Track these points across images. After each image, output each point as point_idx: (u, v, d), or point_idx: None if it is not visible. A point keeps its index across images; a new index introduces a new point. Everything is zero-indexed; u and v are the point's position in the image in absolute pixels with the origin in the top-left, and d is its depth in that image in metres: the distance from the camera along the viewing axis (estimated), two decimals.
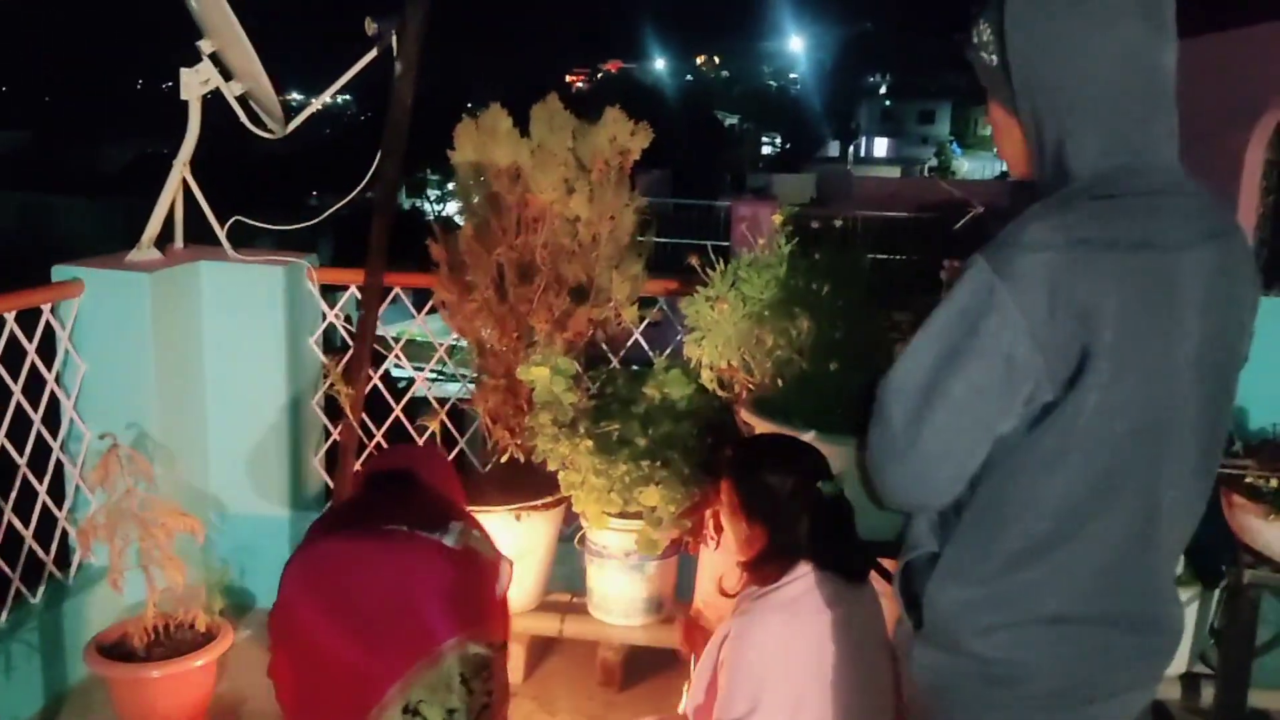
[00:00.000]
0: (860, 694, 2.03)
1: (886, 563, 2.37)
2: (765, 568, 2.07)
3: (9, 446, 3.02)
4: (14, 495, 3.03)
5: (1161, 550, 1.44)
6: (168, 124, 3.45)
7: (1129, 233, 1.31)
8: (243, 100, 3.47)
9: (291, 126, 3.57)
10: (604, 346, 3.32)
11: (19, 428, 3.07)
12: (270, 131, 3.54)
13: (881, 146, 48.00)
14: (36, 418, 3.11)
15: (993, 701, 1.43)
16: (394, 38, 3.36)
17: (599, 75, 42.95)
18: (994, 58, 1.40)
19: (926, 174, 39.06)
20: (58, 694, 3.12)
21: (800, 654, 2.01)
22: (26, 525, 3.07)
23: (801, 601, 2.02)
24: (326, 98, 3.66)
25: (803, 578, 2.03)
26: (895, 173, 36.66)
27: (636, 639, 3.21)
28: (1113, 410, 1.32)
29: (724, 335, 2.62)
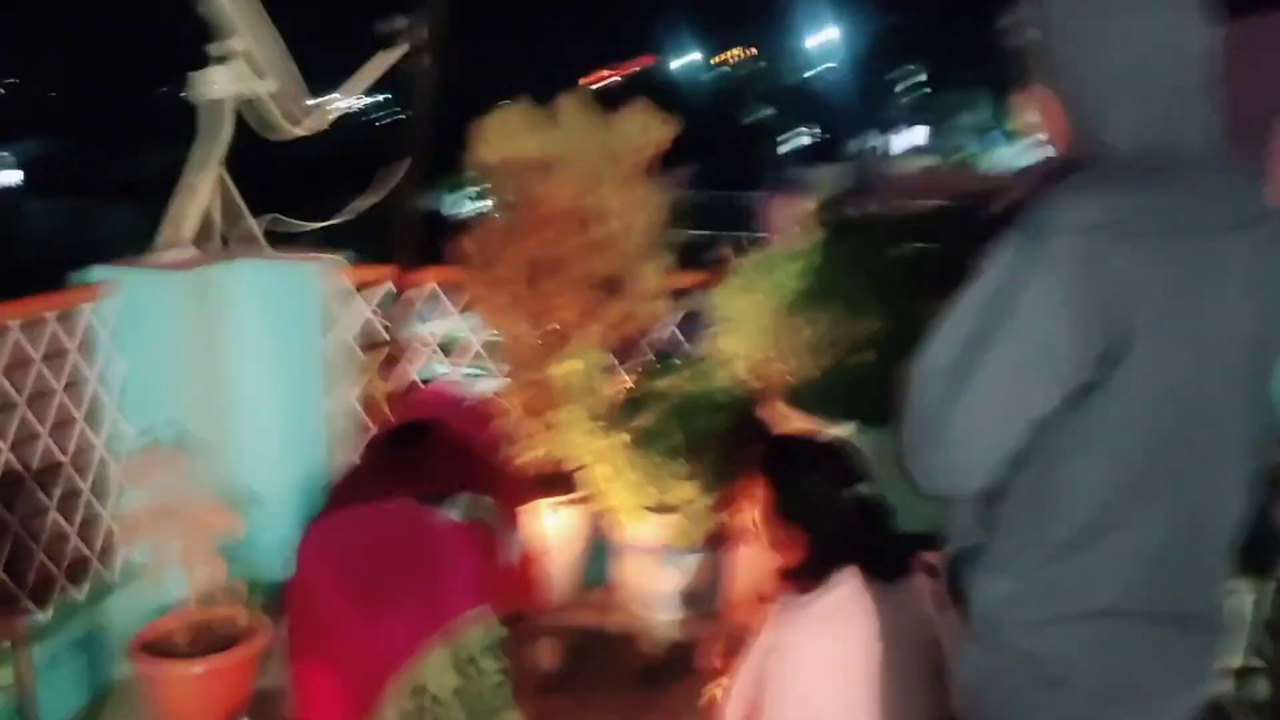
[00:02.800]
0: (913, 696, 1.98)
1: (931, 556, 2.35)
2: (805, 575, 2.01)
3: (53, 445, 3.06)
4: (58, 493, 3.07)
5: (1212, 540, 1.40)
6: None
7: (1167, 210, 1.28)
8: (272, 100, 3.50)
9: (319, 126, 3.59)
10: (635, 340, 3.31)
11: (63, 427, 3.12)
12: (301, 130, 3.57)
13: (919, 136, 47.54)
14: (80, 416, 3.15)
15: (1039, 700, 1.39)
16: (422, 33, 3.38)
17: (633, 69, 42.90)
18: (1036, 34, 1.39)
19: (965, 163, 38.63)
20: (101, 690, 3.15)
21: (850, 665, 1.95)
22: (71, 523, 3.12)
23: (847, 609, 1.96)
24: (355, 95, 3.67)
25: (846, 584, 1.97)
26: (933, 162, 36.27)
27: (672, 634, 3.19)
28: (1157, 391, 1.28)
29: (757, 326, 2.60)
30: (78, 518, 3.14)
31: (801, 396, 2.43)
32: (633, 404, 3.07)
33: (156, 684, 2.96)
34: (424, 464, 2.33)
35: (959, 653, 1.46)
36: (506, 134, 3.05)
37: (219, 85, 3.43)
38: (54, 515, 3.05)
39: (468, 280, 3.21)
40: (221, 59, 3.41)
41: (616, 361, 3.20)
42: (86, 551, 3.19)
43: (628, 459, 3.00)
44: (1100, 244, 1.25)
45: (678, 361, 3.15)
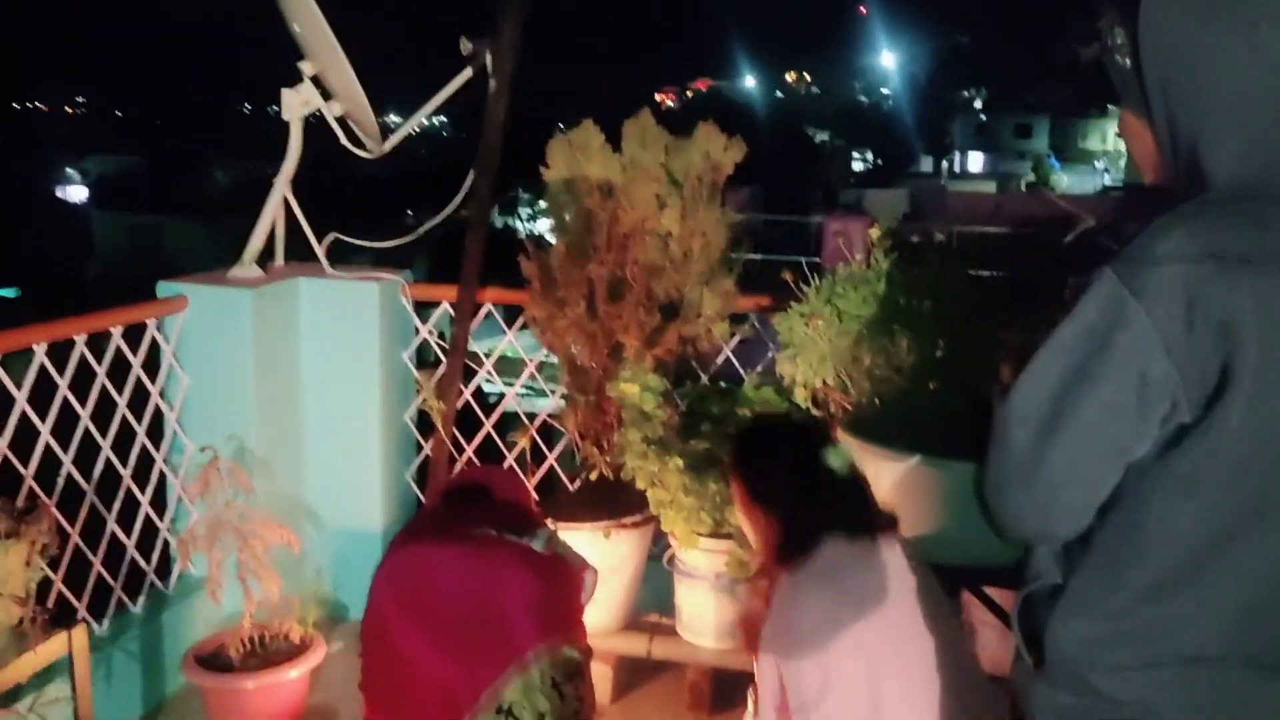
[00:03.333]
0: (923, 636, 1.97)
1: (999, 593, 2.29)
2: (789, 556, 2.01)
3: (113, 458, 3.10)
4: (118, 506, 3.10)
5: None
6: (272, 147, 3.53)
7: (1269, 245, 1.22)
8: (342, 121, 3.54)
9: (389, 146, 3.62)
10: (694, 364, 3.28)
11: (124, 440, 3.16)
12: (369, 151, 3.60)
13: (976, 161, 47.15)
14: (141, 430, 3.19)
15: None
16: (488, 56, 3.39)
17: (688, 93, 43.07)
18: (1126, 61, 1.35)
19: (1024, 189, 38.25)
20: (156, 702, 3.18)
21: (851, 617, 1.93)
22: (129, 535, 3.15)
23: (840, 565, 1.97)
24: (423, 118, 3.70)
25: (832, 546, 1.98)
26: (991, 188, 35.97)
27: (726, 662, 3.14)
28: (1257, 433, 1.22)
29: (819, 352, 2.56)
30: (135, 530, 3.17)
31: (863, 425, 2.38)
32: (690, 428, 3.04)
33: (210, 697, 2.98)
34: (495, 505, 2.36)
35: (1035, 695, 1.40)
36: (572, 155, 3.05)
37: (287, 108, 3.47)
38: (112, 527, 3.08)
39: (527, 301, 3.21)
40: (293, 82, 3.46)
41: (674, 385, 3.17)
42: (144, 564, 3.22)
43: (683, 484, 2.96)
44: (1202, 281, 1.19)
45: (736, 386, 3.11)
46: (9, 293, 20.93)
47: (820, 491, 2.03)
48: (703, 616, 3.14)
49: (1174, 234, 1.23)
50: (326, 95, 3.49)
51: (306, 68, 3.42)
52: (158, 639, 3.21)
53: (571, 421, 3.27)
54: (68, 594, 2.93)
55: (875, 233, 2.75)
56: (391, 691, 2.25)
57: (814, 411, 2.73)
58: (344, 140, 3.54)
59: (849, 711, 1.94)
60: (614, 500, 3.25)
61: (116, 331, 3.07)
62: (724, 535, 3.00)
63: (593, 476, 3.29)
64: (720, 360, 3.45)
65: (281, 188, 3.51)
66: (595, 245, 3.04)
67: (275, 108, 3.53)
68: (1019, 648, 1.44)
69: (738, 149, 3.06)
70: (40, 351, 2.80)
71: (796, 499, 2.03)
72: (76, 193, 36.49)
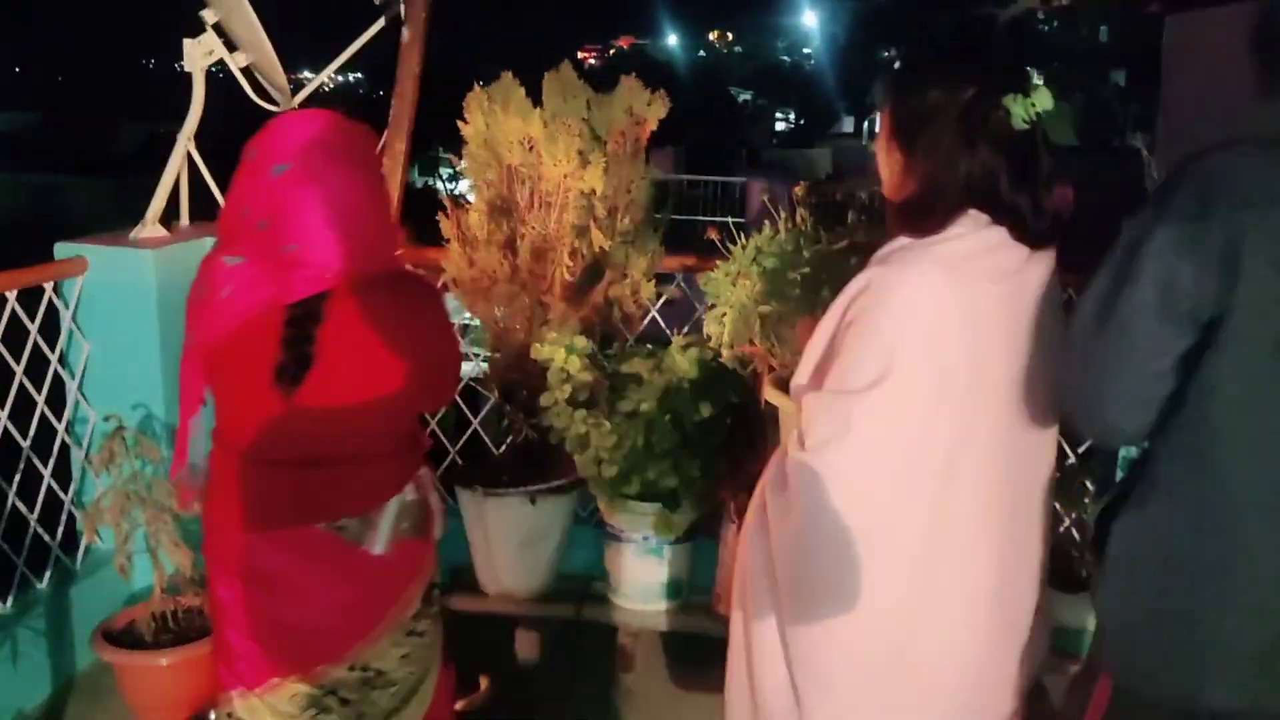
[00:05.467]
0: (1019, 389, 1.70)
1: None
2: (921, 215, 1.66)
3: (11, 428, 2.95)
4: (17, 479, 2.96)
5: None
6: (181, 104, 3.36)
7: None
8: (249, 73, 3.39)
9: (298, 100, 3.47)
10: (619, 324, 3.22)
11: (23, 410, 3.01)
12: (276, 105, 3.45)
13: None
14: (40, 399, 3.04)
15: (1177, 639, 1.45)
16: (401, 6, 3.27)
17: (611, 51, 42.66)
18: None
19: None
20: (66, 680, 3.06)
21: (958, 324, 1.63)
22: (31, 509, 3.01)
23: (971, 263, 1.64)
24: (333, 70, 3.56)
25: (975, 234, 1.65)
26: None
27: (655, 624, 3.12)
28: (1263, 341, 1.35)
29: (745, 312, 2.52)
30: (38, 504, 3.03)
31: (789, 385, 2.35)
32: (615, 390, 2.99)
33: (122, 675, 2.87)
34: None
35: (1098, 593, 1.55)
36: (490, 110, 2.95)
37: (189, 58, 3.31)
38: (13, 501, 2.94)
39: (447, 261, 3.11)
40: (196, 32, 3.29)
41: (601, 347, 3.11)
42: (48, 539, 3.09)
43: (610, 445, 2.92)
44: (1223, 170, 1.36)
45: (662, 347, 3.07)
46: None
47: (986, 155, 1.64)
48: (631, 579, 3.11)
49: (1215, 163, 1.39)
50: (232, 46, 3.34)
51: (208, 15, 3.26)
52: (65, 616, 3.08)
53: (495, 385, 3.20)
54: None
55: (799, 192, 2.72)
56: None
57: (740, 371, 2.70)
58: (250, 93, 3.39)
59: (889, 461, 1.65)
60: (540, 464, 3.20)
61: (11, 295, 2.91)
62: (651, 497, 2.97)
63: (519, 440, 3.23)
64: (646, 321, 3.40)
65: (184, 143, 3.35)
66: (516, 203, 2.95)
67: (182, 64, 3.35)
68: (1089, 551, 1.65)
69: (661, 104, 3.00)
70: None
71: (951, 153, 1.64)
72: None
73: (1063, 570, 2.71)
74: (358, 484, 1.88)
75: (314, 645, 1.90)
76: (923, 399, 1.65)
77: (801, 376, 1.84)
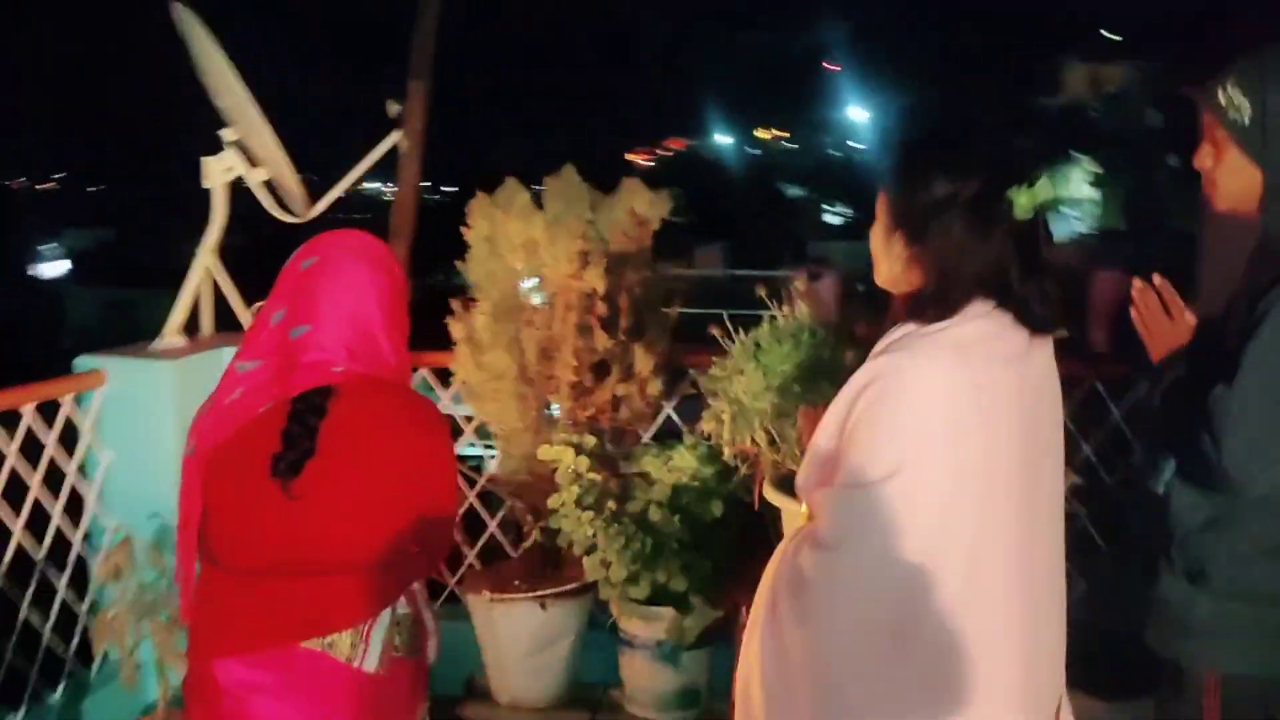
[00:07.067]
0: (1033, 470, 1.67)
1: None
2: (934, 305, 1.63)
3: (24, 541, 2.97)
4: (31, 588, 2.97)
5: None
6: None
7: None
8: (270, 187, 3.48)
9: (316, 211, 3.56)
10: (629, 423, 3.18)
11: (41, 520, 3.04)
12: (295, 216, 3.53)
13: None
14: (56, 510, 3.07)
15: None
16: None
17: (659, 152, 43.43)
18: (1246, 117, 1.83)
19: None
20: None
21: (972, 408, 1.59)
22: (46, 619, 3.02)
23: (981, 347, 1.60)
24: (350, 182, 3.64)
25: (983, 318, 1.62)
26: None
27: None
28: None
29: (744, 410, 2.47)
30: (53, 615, 3.04)
31: (790, 484, 2.28)
32: (625, 491, 2.94)
33: None
34: None
35: (1195, 606, 1.89)
36: (494, 214, 2.98)
37: (210, 174, 3.41)
38: (26, 613, 2.95)
39: (456, 363, 3.12)
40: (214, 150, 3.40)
41: (610, 445, 3.08)
42: (62, 651, 3.08)
43: (618, 548, 2.86)
44: None
45: (673, 444, 3.02)
46: None
47: (994, 245, 1.61)
48: (646, 688, 3.02)
49: None
50: (253, 162, 3.43)
51: (227, 134, 3.37)
52: None
53: (506, 486, 3.17)
54: None
55: (799, 284, 2.68)
56: None
57: (741, 470, 2.64)
58: (269, 206, 3.47)
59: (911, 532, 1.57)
60: (555, 567, 3.15)
61: (29, 409, 2.96)
62: (662, 600, 2.90)
63: (530, 544, 3.18)
64: (661, 419, 3.36)
65: (205, 256, 3.43)
66: (520, 305, 2.96)
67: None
68: (1175, 572, 1.92)
69: (664, 203, 3.01)
70: None
71: (959, 245, 1.61)
72: (55, 268, 36.35)
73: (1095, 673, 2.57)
74: (349, 593, 1.81)
75: None
76: (942, 487, 1.60)
77: (808, 473, 1.78)
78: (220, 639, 1.81)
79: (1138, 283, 2.12)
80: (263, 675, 1.78)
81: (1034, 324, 1.65)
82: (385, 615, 1.84)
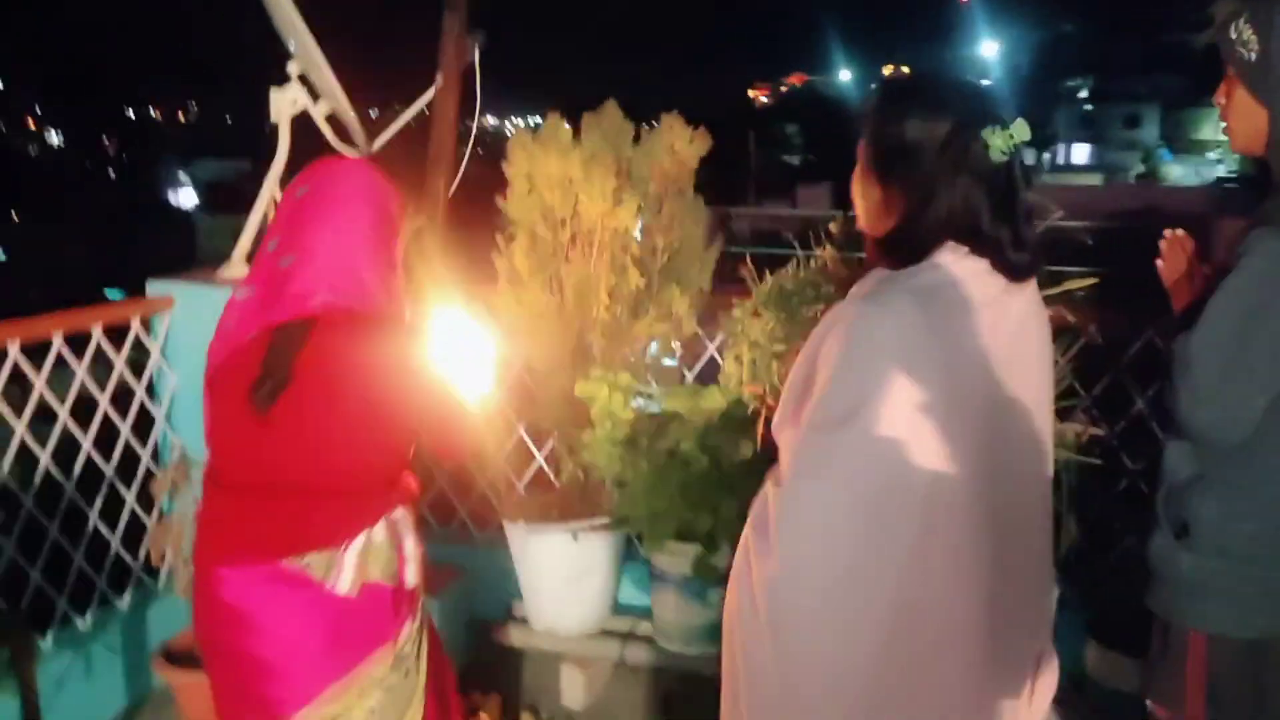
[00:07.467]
0: (1003, 418, 1.64)
1: None
2: (902, 248, 1.61)
3: (95, 455, 3.15)
4: (99, 501, 3.16)
5: None
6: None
7: None
8: (331, 119, 3.55)
9: (377, 145, 3.62)
10: (675, 362, 3.19)
11: (111, 438, 3.22)
12: (356, 148, 3.60)
13: (1081, 153, 45.58)
14: (125, 427, 3.24)
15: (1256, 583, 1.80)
16: (476, 50, 3.36)
17: (782, 88, 42.64)
18: (1252, 54, 1.74)
19: (1133, 181, 36.80)
20: (137, 699, 3.23)
21: (933, 356, 1.56)
22: (114, 531, 3.20)
23: (945, 291, 1.59)
24: (410, 116, 3.69)
25: (950, 264, 1.60)
26: (1096, 180, 34.70)
27: (698, 668, 3.06)
28: None
29: (763, 353, 2.46)
30: (120, 527, 3.23)
31: None
32: (659, 427, 2.96)
33: (181, 694, 3.01)
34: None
35: (1177, 562, 1.85)
36: (533, 151, 2.99)
37: (275, 107, 3.50)
38: (95, 523, 3.14)
39: (497, 300, 3.16)
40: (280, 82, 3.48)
41: (646, 382, 3.09)
42: (130, 560, 3.28)
43: (651, 484, 2.89)
44: None
45: (706, 385, 3.02)
46: (116, 294, 21.82)
47: (965, 187, 1.59)
48: (673, 621, 3.06)
49: None
50: (314, 95, 3.51)
51: (293, 68, 3.44)
52: (143, 635, 3.26)
53: (544, 419, 3.22)
54: (47, 588, 3.00)
55: (834, 226, 2.64)
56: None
57: (763, 412, 2.63)
58: (332, 139, 3.55)
59: (872, 474, 1.56)
60: (592, 501, 3.20)
61: (97, 330, 3.12)
62: (694, 537, 2.92)
63: (565, 478, 3.24)
64: (705, 360, 3.35)
65: (270, 186, 3.53)
66: (558, 242, 2.98)
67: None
68: (1162, 526, 1.87)
69: (702, 142, 2.97)
70: (14, 350, 2.86)
71: (931, 185, 1.59)
72: (187, 195, 37.90)
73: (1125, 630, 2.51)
74: (321, 516, 1.90)
75: (277, 688, 1.91)
76: (897, 432, 1.58)
77: (782, 413, 1.78)
78: (214, 549, 1.92)
79: (1168, 233, 2.05)
80: (250, 587, 1.88)
81: (1009, 269, 1.61)
82: (360, 540, 1.91)
